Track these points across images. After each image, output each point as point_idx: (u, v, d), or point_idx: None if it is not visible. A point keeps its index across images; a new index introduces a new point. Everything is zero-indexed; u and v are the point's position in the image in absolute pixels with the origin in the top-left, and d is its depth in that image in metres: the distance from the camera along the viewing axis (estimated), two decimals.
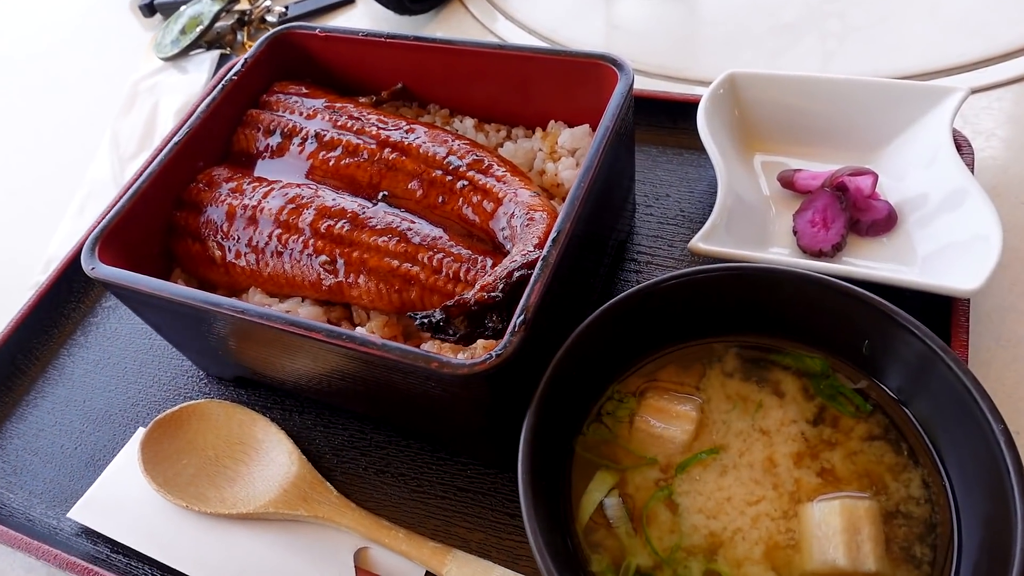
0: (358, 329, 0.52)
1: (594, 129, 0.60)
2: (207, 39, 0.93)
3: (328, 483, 0.55)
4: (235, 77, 0.63)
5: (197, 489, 0.56)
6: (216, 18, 0.92)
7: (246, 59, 0.65)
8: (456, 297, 0.46)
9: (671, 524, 0.42)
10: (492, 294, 0.45)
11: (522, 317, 0.43)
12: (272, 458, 0.57)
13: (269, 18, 0.97)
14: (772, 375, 0.47)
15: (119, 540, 0.55)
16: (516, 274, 0.45)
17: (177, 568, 0.53)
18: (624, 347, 0.48)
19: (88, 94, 0.96)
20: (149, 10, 1.01)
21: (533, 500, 0.39)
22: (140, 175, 0.58)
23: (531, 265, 0.46)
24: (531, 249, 0.47)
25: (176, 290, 0.49)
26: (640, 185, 0.68)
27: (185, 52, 0.92)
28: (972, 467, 0.38)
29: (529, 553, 0.50)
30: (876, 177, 0.59)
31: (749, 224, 0.61)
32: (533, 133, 0.63)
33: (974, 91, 0.70)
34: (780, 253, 0.60)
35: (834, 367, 0.46)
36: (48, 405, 0.66)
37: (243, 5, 0.96)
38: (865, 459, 0.43)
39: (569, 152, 0.60)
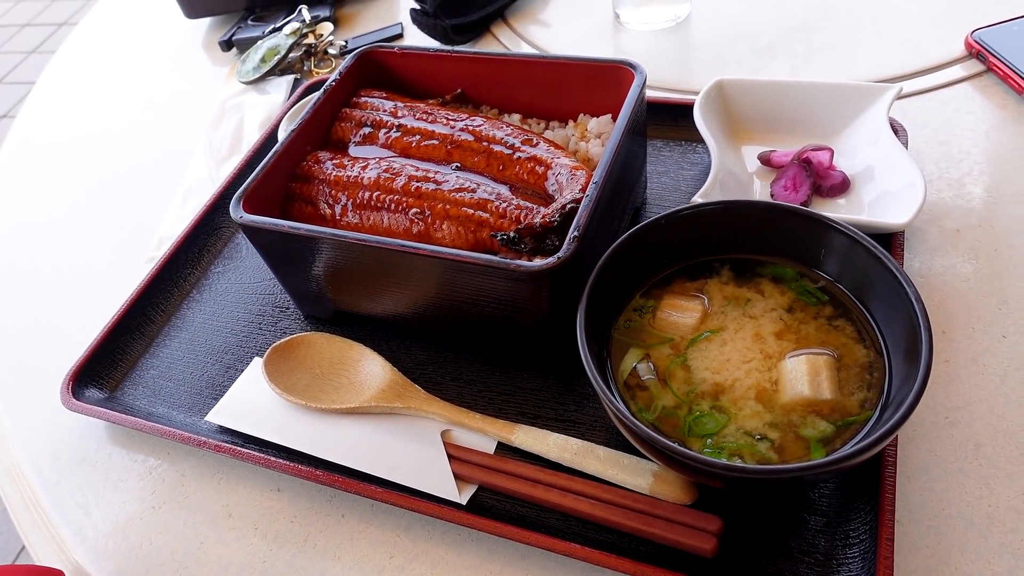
0: None
1: (615, 118, 0.78)
2: (281, 67, 1.12)
3: (416, 385, 0.70)
4: (332, 84, 0.81)
5: (312, 394, 0.71)
6: (290, 49, 1.11)
7: (340, 71, 0.83)
8: (525, 222, 0.62)
9: (686, 379, 0.58)
10: (552, 219, 0.61)
11: (576, 233, 0.59)
12: (368, 370, 0.73)
13: (331, 51, 1.16)
14: (756, 281, 0.63)
15: (251, 433, 0.70)
16: (568, 206, 0.62)
17: (299, 448, 0.68)
18: (646, 263, 0.65)
19: (181, 112, 1.14)
20: (227, 45, 1.20)
21: (591, 359, 0.54)
22: (268, 156, 0.75)
23: (579, 201, 0.63)
24: (577, 191, 0.64)
25: (311, 227, 0.66)
26: (650, 167, 0.86)
27: (263, 77, 1.11)
28: (893, 317, 0.55)
29: (575, 429, 0.65)
30: (832, 152, 0.77)
31: (736, 191, 0.78)
32: (566, 124, 0.81)
33: (912, 94, 0.89)
34: None
35: (801, 273, 0.63)
36: (176, 344, 0.81)
37: (310, 39, 1.14)
38: (823, 330, 0.59)
39: (595, 135, 0.78)
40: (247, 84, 1.11)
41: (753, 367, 0.58)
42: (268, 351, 0.73)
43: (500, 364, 0.72)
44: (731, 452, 0.54)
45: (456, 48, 0.81)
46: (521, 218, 0.67)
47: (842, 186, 0.76)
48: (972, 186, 0.79)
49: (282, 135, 0.94)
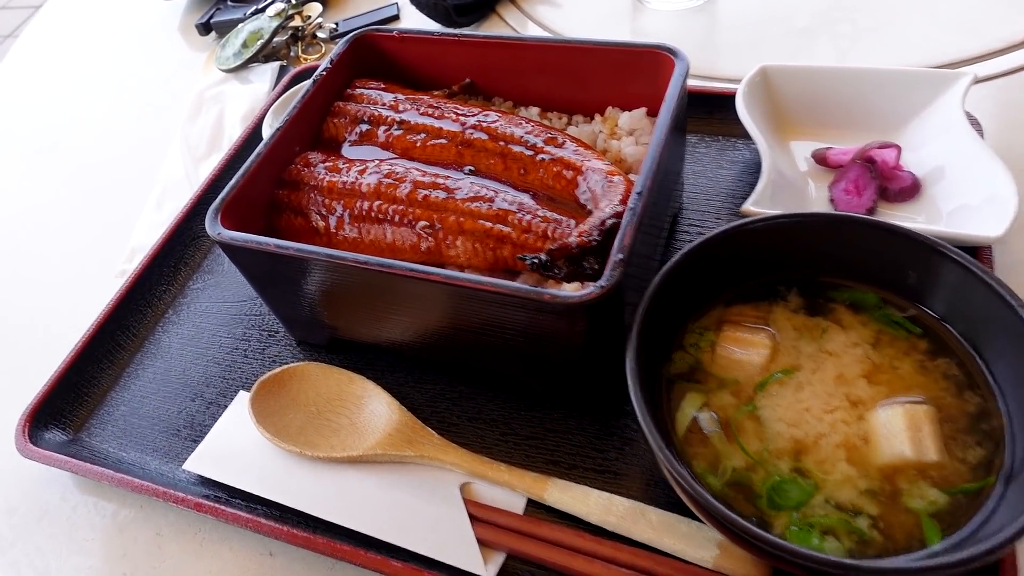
0: None
1: (651, 113, 0.67)
2: (265, 53, 1.00)
3: (428, 428, 0.61)
4: (323, 74, 0.70)
5: (306, 438, 0.61)
6: (274, 33, 0.99)
7: (332, 58, 0.72)
8: (558, 242, 0.52)
9: (758, 432, 0.49)
10: (590, 238, 0.51)
11: (620, 256, 0.49)
12: (372, 409, 0.63)
13: (320, 34, 1.04)
14: (831, 309, 0.54)
15: (236, 486, 0.60)
16: (609, 222, 0.52)
17: (293, 506, 0.58)
18: (702, 287, 0.55)
19: (155, 104, 1.03)
20: (205, 28, 1.09)
21: (647, 409, 0.45)
22: (249, 159, 0.64)
23: (620, 215, 0.53)
24: (616, 204, 0.54)
25: (301, 247, 0.55)
26: (686, 167, 0.76)
27: (245, 65, 0.99)
28: (1016, 362, 0.45)
29: (618, 483, 0.56)
30: (899, 149, 0.67)
31: (790, 196, 0.68)
32: (592, 119, 0.71)
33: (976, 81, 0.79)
34: None
35: (885, 299, 0.53)
36: (149, 375, 0.71)
37: (296, 22, 1.03)
38: (919, 372, 0.50)
39: (627, 133, 0.67)
40: (227, 72, 1.00)
41: (839, 418, 0.48)
42: (255, 385, 0.63)
43: (525, 401, 0.62)
44: (822, 529, 0.44)
45: (463, 31, 0.70)
46: (549, 233, 0.57)
47: (912, 189, 0.66)
48: None
49: (267, 131, 0.83)
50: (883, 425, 0.47)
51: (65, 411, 0.69)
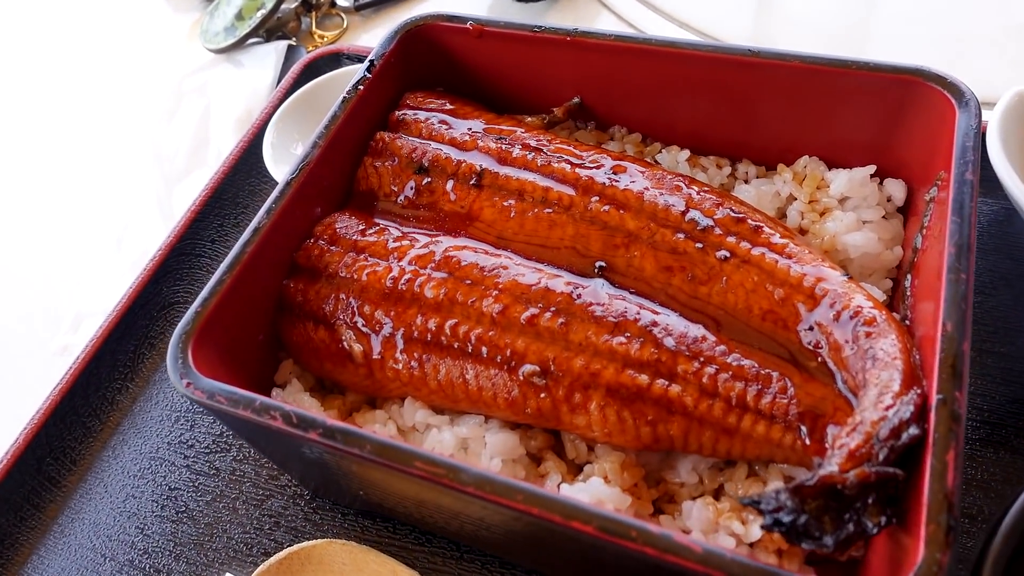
0: (592, 481, 0.35)
1: (883, 173, 0.43)
2: (267, 27, 0.75)
3: None
4: (360, 87, 0.45)
5: None
6: (280, 1, 0.73)
7: (372, 61, 0.47)
8: (817, 472, 0.28)
9: None
10: (880, 468, 0.27)
11: (945, 517, 0.26)
12: None
13: (340, 1, 0.78)
14: None
15: None
16: (907, 434, 0.28)
17: None
18: None
19: (119, 94, 0.77)
20: None
21: None
22: (242, 239, 0.39)
23: (919, 408, 0.29)
24: (898, 381, 0.30)
25: (327, 426, 0.32)
26: None
27: (241, 43, 0.74)
28: None
29: None
30: None
31: None
32: (772, 171, 0.46)
33: None
34: None
35: None
36: (88, 533, 0.48)
37: None
38: None
39: (837, 201, 0.43)
40: (216, 53, 0.74)
41: None
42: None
43: None
44: None
45: (576, 28, 0.45)
46: (748, 400, 0.34)
47: None
48: None
49: (269, 152, 0.59)
50: None
51: None
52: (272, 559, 0.42)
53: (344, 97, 0.45)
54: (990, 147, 0.48)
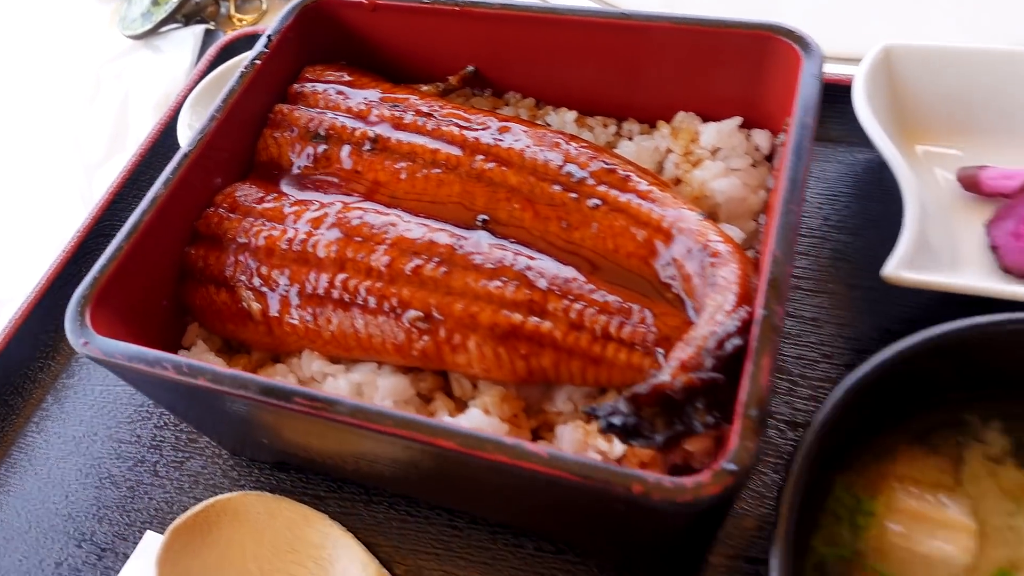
0: (470, 412, 0.38)
1: (748, 124, 0.46)
2: (185, 11, 0.76)
3: None
4: (257, 62, 0.47)
5: None
6: None
7: (270, 36, 0.49)
8: (650, 381, 0.31)
9: None
10: (703, 375, 0.31)
11: (755, 412, 0.29)
12: (339, 571, 0.43)
13: None
14: None
15: None
16: (730, 344, 0.31)
17: None
18: (856, 428, 0.35)
19: (34, 83, 0.78)
20: None
21: None
22: (141, 206, 0.41)
23: (745, 325, 0.32)
24: (731, 304, 0.33)
25: (216, 373, 0.34)
26: None
27: (158, 28, 0.75)
28: None
29: None
30: None
31: (932, 239, 0.48)
32: (653, 128, 0.49)
33: None
34: (975, 276, 0.47)
35: None
36: (16, 504, 0.50)
37: None
38: None
39: (710, 152, 0.46)
40: (135, 39, 0.75)
41: None
42: (167, 534, 0.43)
43: (562, 556, 0.43)
44: None
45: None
46: (611, 331, 0.37)
47: None
48: None
49: (184, 132, 0.60)
50: None
51: None
52: (188, 512, 0.44)
53: (241, 72, 0.47)
54: (856, 100, 0.51)
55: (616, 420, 0.30)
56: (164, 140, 0.64)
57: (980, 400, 0.36)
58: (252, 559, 0.44)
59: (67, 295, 0.55)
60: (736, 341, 0.31)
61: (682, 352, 0.32)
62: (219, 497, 0.45)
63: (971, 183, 0.51)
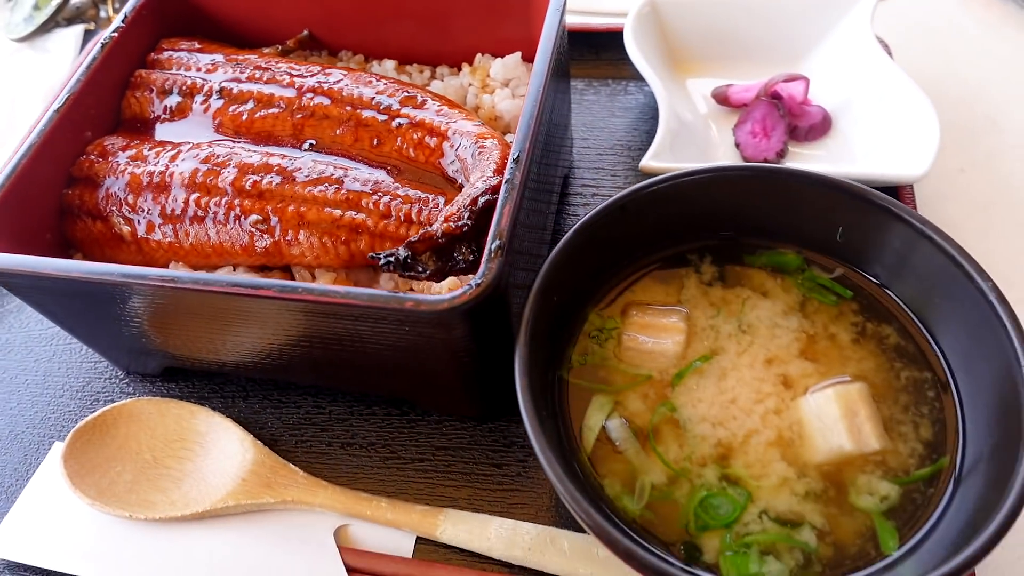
0: None
1: (527, 58, 0.57)
2: (65, 15, 0.83)
3: (291, 465, 0.50)
4: (114, 34, 0.56)
5: (139, 496, 0.49)
6: None
7: (125, 14, 0.57)
8: (420, 231, 0.41)
9: (678, 437, 0.41)
10: (459, 223, 0.41)
11: (497, 243, 0.40)
12: (221, 449, 0.51)
13: None
14: (749, 277, 0.46)
15: (54, 568, 0.48)
16: (481, 200, 0.42)
17: None
18: (599, 267, 0.46)
19: None
20: None
21: (540, 430, 0.36)
22: (16, 151, 0.49)
23: (495, 189, 0.42)
24: (490, 175, 0.44)
25: (88, 268, 0.43)
26: (573, 119, 0.66)
27: (41, 30, 0.82)
28: (967, 334, 0.39)
29: (523, 501, 0.47)
30: (808, 82, 0.60)
31: (691, 143, 0.60)
32: (460, 70, 0.59)
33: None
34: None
35: (809, 260, 0.46)
36: None
37: None
38: (851, 344, 0.43)
39: (502, 84, 0.57)
40: (19, 41, 0.82)
41: (769, 408, 0.41)
42: (69, 436, 0.51)
43: (407, 416, 0.52)
44: (762, 549, 0.37)
45: None
46: (414, 216, 0.47)
47: (822, 125, 0.59)
48: (968, 111, 0.64)
49: None
50: (815, 416, 0.40)
51: None
52: (88, 417, 0.52)
53: (101, 43, 0.55)
54: (627, 43, 0.63)
55: (391, 259, 0.40)
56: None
57: (695, 240, 0.47)
58: (147, 449, 0.52)
59: None
60: (486, 198, 0.42)
61: (448, 209, 0.42)
62: (115, 404, 0.53)
63: (722, 98, 0.63)
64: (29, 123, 0.76)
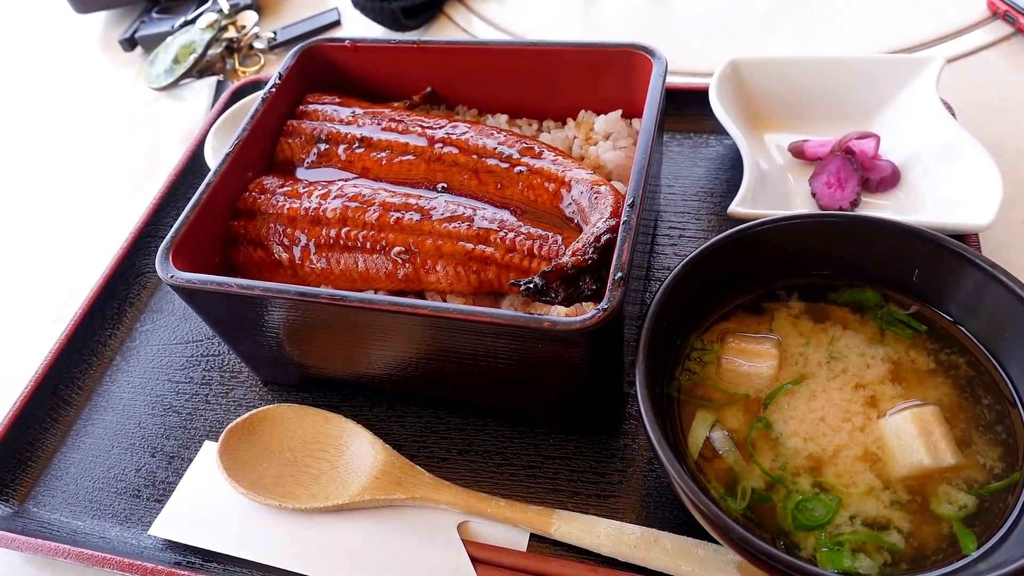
0: None
1: (627, 114, 0.64)
2: (199, 67, 0.94)
3: (417, 466, 0.56)
4: (273, 90, 0.65)
5: (284, 489, 0.56)
6: (208, 46, 0.93)
7: (280, 73, 0.66)
8: (553, 263, 0.49)
9: (772, 449, 0.46)
10: (586, 256, 0.48)
11: (620, 274, 0.46)
12: (354, 451, 0.58)
13: (257, 44, 0.98)
14: (832, 312, 0.52)
15: (211, 548, 0.55)
16: (604, 237, 0.49)
17: (277, 565, 0.53)
18: (700, 299, 0.52)
19: (79, 129, 0.95)
20: (130, 44, 1.01)
21: (661, 435, 0.42)
22: (200, 188, 0.58)
23: (614, 229, 0.49)
24: (608, 217, 0.51)
25: (268, 286, 0.50)
26: (661, 168, 0.73)
27: (179, 81, 0.93)
28: None
29: (623, 507, 0.53)
30: (878, 139, 0.66)
31: (770, 192, 0.66)
32: (564, 124, 0.67)
33: None
34: None
35: (886, 297, 0.51)
36: (100, 432, 0.64)
37: (231, 33, 0.97)
38: (926, 372, 0.48)
39: (603, 137, 0.64)
40: (159, 90, 0.93)
41: (856, 426, 0.46)
42: (223, 435, 0.58)
43: (517, 428, 0.58)
44: (852, 548, 0.42)
45: (420, 38, 0.66)
46: (536, 251, 0.54)
47: (892, 178, 0.65)
48: None
49: (210, 154, 0.77)
50: (895, 435, 0.45)
51: (6, 480, 0.62)
52: (236, 420, 0.60)
53: (262, 98, 0.64)
54: (712, 100, 0.70)
55: (531, 286, 0.47)
56: (192, 164, 0.81)
57: (784, 278, 0.54)
58: (288, 449, 0.59)
59: (126, 281, 0.72)
60: (607, 236, 0.49)
61: (575, 245, 0.49)
62: (259, 409, 0.60)
63: (798, 152, 0.70)
64: (169, 157, 0.86)
